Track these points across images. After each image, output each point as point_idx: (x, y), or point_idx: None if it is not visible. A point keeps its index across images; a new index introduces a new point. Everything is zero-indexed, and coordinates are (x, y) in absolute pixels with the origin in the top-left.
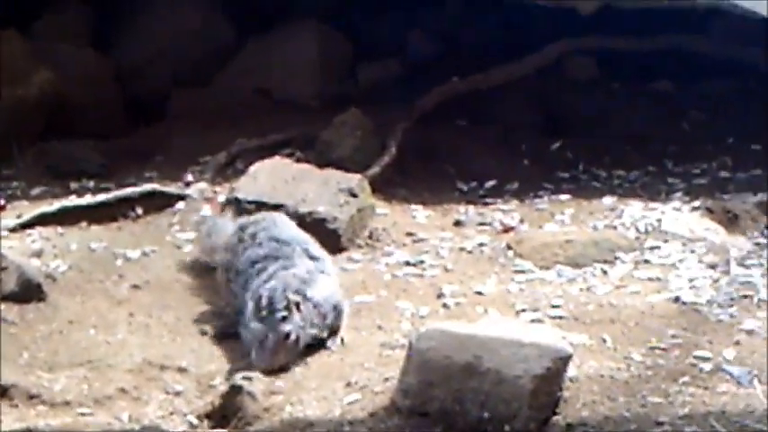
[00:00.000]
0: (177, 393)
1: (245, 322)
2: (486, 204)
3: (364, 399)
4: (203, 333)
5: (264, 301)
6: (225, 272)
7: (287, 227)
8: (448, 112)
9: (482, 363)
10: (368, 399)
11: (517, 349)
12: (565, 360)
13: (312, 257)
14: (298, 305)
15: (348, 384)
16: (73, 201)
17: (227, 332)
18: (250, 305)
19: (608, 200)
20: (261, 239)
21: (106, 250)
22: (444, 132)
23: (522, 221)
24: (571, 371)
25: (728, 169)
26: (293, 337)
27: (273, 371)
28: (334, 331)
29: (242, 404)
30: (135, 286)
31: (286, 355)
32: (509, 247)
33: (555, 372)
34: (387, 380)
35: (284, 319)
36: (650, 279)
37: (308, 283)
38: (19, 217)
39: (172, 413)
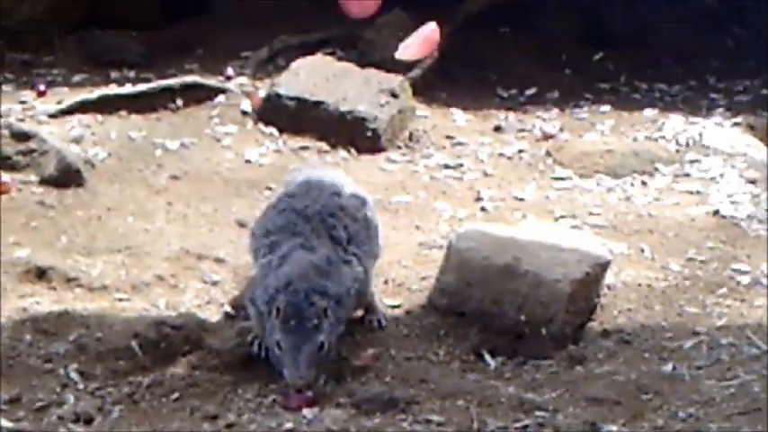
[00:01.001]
0: (214, 283)
1: (269, 330)
2: (527, 112)
3: (401, 296)
4: (241, 225)
5: (289, 310)
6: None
7: (319, 195)
8: (491, 19)
9: (521, 265)
10: (404, 296)
11: (556, 253)
12: (603, 266)
13: (335, 239)
14: (326, 311)
15: (386, 282)
16: (113, 89)
17: None
18: (263, 297)
19: (649, 112)
20: (282, 206)
21: (145, 140)
22: (487, 39)
23: (561, 130)
24: (609, 278)
25: None
26: (326, 346)
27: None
28: (368, 310)
29: None
30: (174, 176)
31: (319, 365)
32: (549, 155)
33: (593, 277)
34: (424, 279)
35: (316, 328)
36: (690, 192)
37: (329, 275)
38: (59, 103)
39: (208, 302)
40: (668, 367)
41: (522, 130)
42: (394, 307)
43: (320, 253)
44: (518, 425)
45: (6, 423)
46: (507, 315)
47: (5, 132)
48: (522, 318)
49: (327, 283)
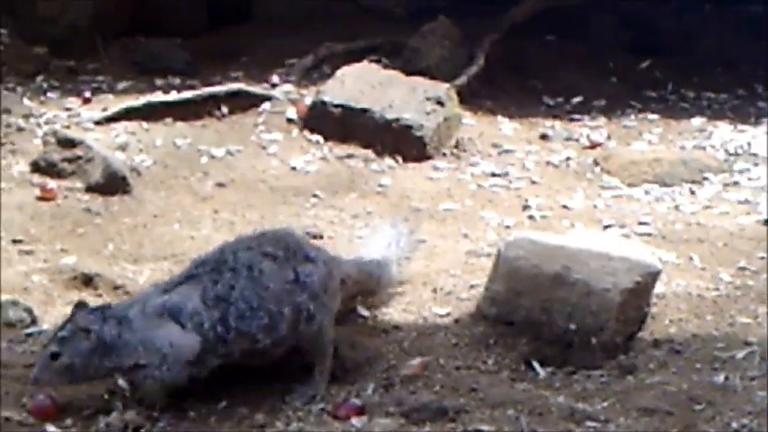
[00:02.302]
0: None
1: None
2: (573, 120)
3: (449, 305)
4: None
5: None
6: None
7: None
8: (537, 26)
9: (571, 274)
10: (453, 305)
11: (606, 262)
12: (654, 275)
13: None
14: (88, 332)
15: (434, 290)
16: (158, 97)
17: None
18: None
19: (697, 121)
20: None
21: (191, 147)
22: (532, 46)
23: (609, 138)
24: (659, 287)
25: None
26: (64, 360)
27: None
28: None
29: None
30: (219, 184)
31: (59, 375)
32: (596, 163)
33: (643, 287)
34: (472, 287)
35: (62, 340)
36: (739, 201)
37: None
38: (104, 110)
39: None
40: (720, 377)
41: (569, 139)
42: (442, 316)
43: (163, 299)
44: None
45: (55, 430)
46: (557, 324)
47: (52, 139)
48: (572, 327)
49: (126, 306)
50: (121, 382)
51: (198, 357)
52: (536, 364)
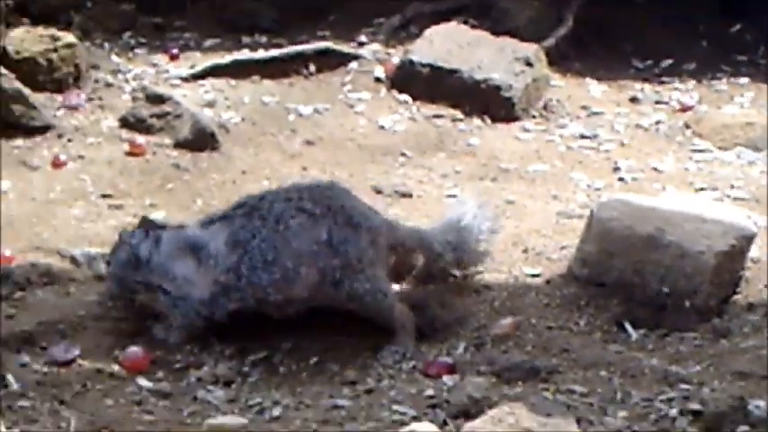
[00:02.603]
0: None
1: None
2: (663, 83)
3: (540, 265)
4: (377, 191)
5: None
6: None
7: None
8: None
9: (664, 236)
10: (544, 265)
11: (700, 224)
12: (748, 239)
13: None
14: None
15: (525, 251)
16: (246, 54)
17: None
18: None
19: None
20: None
21: (278, 105)
22: (621, 8)
23: (700, 101)
24: (753, 251)
25: None
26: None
27: None
28: None
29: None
30: (308, 142)
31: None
32: (687, 126)
33: (738, 250)
34: (563, 248)
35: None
36: None
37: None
38: (192, 67)
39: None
40: None
41: (659, 102)
42: (533, 276)
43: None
44: (663, 397)
45: (146, 383)
46: (650, 286)
47: (140, 95)
48: (665, 289)
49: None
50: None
51: (211, 299)
52: (628, 326)
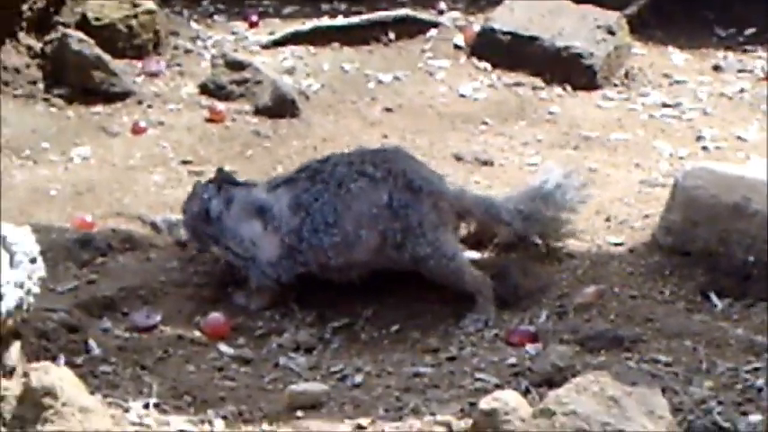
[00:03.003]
0: None
1: None
2: (746, 51)
3: (623, 234)
4: (458, 158)
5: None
6: None
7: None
8: None
9: (750, 204)
10: (627, 234)
11: None
12: None
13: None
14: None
15: (607, 219)
16: (325, 21)
17: None
18: None
19: None
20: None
21: (358, 72)
22: None
23: None
24: None
25: None
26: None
27: None
28: None
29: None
30: (387, 109)
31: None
32: None
33: None
34: (647, 217)
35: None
36: None
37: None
38: (271, 34)
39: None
40: None
41: (743, 70)
42: (617, 244)
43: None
44: (748, 367)
45: (227, 349)
46: (735, 255)
47: (220, 62)
48: (751, 258)
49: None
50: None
51: (277, 261)
52: (713, 296)
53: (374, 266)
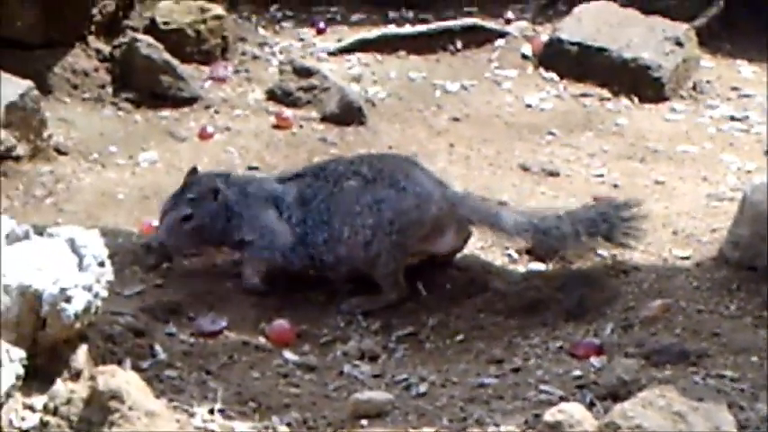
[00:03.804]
0: None
1: None
2: None
3: (690, 248)
4: (524, 168)
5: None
6: None
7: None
8: None
9: None
10: (694, 248)
11: None
12: None
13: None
14: (216, 192)
15: (674, 233)
16: (393, 29)
17: None
18: None
19: None
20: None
21: (425, 81)
22: None
23: None
24: None
25: None
26: (194, 222)
27: None
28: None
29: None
30: (454, 118)
31: (185, 238)
32: None
33: None
34: (714, 231)
35: (191, 200)
36: None
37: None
38: (338, 41)
39: (491, 245)
40: None
41: None
42: (683, 258)
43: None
44: None
45: (292, 356)
46: None
47: (288, 68)
48: None
49: (247, 179)
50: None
51: (292, 247)
52: None
53: (354, 264)
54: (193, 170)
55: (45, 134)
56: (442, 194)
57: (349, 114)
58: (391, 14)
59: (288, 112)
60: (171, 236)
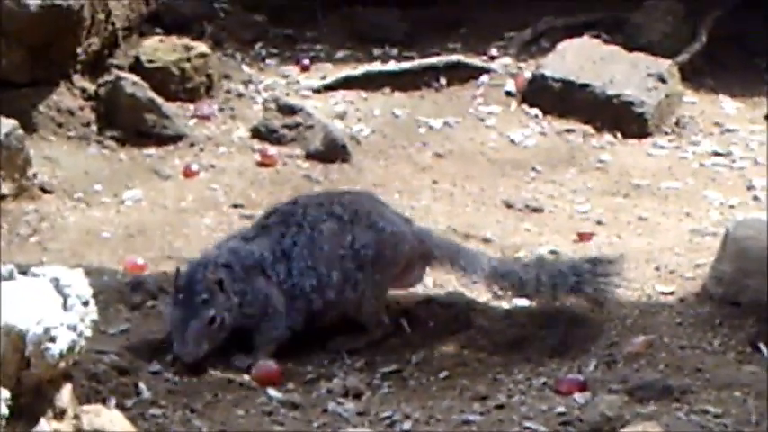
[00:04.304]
0: None
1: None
2: None
3: (674, 283)
4: (508, 205)
5: (181, 283)
6: None
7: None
8: (761, 2)
9: None
10: (678, 284)
11: None
12: None
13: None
14: (221, 283)
15: (657, 268)
16: (377, 66)
17: None
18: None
19: None
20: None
21: (409, 117)
22: (756, 23)
23: None
24: None
25: None
26: (218, 321)
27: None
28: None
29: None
30: (438, 155)
31: (212, 339)
32: None
33: None
34: (697, 266)
35: (205, 302)
36: None
37: (236, 254)
38: (323, 78)
39: (475, 282)
40: None
41: None
42: (666, 293)
43: (253, 250)
44: None
45: (276, 394)
46: None
47: (272, 106)
48: None
49: (226, 254)
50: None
51: (286, 309)
52: (763, 347)
53: (340, 308)
54: (178, 272)
55: (30, 173)
56: (411, 231)
57: (333, 151)
58: (375, 51)
59: (272, 150)
60: (202, 344)
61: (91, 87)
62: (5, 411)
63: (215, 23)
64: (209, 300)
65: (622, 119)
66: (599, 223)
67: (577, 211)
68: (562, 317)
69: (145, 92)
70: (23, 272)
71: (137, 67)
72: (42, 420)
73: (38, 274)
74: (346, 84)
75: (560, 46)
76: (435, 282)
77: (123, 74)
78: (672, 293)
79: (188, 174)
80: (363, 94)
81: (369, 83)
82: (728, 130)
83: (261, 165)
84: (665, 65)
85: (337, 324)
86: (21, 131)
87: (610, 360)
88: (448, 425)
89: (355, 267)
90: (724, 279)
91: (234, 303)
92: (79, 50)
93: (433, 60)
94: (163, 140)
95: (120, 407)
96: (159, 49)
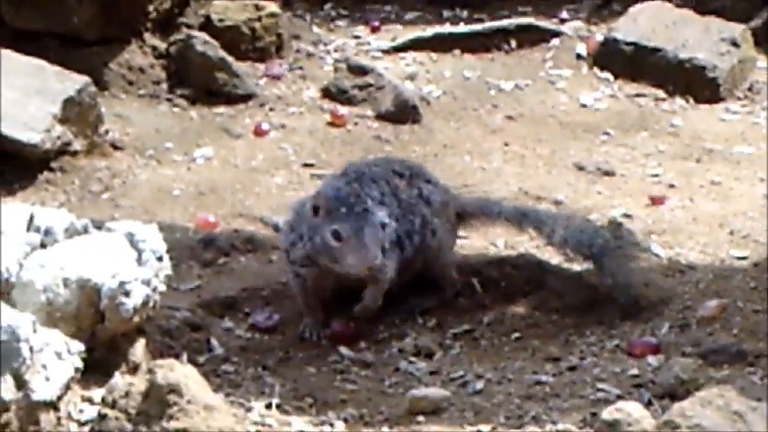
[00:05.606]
0: None
1: (311, 231)
2: None
3: (747, 248)
4: (579, 168)
5: (333, 201)
6: None
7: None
8: None
9: None
10: (751, 248)
11: None
12: None
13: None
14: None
15: (731, 233)
16: (448, 28)
17: None
18: None
19: None
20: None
21: (479, 79)
22: None
23: None
24: None
25: None
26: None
27: None
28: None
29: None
30: (509, 117)
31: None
32: None
33: None
34: None
35: (367, 210)
36: None
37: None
38: (393, 40)
39: (547, 244)
40: None
41: None
42: (740, 258)
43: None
44: None
45: (348, 353)
46: None
47: (343, 66)
48: None
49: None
50: None
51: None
52: None
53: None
54: (319, 195)
55: (101, 130)
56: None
57: (404, 112)
58: (445, 13)
59: (343, 110)
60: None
61: (162, 45)
62: (80, 364)
63: None
64: (369, 209)
65: (694, 83)
66: (671, 186)
67: (649, 174)
68: (635, 279)
69: (216, 51)
70: (98, 227)
71: (207, 26)
72: (116, 374)
73: (112, 229)
74: (416, 45)
75: (632, 9)
76: (507, 243)
77: (194, 32)
78: (745, 258)
79: (259, 133)
80: (434, 55)
81: (439, 45)
82: None
83: (331, 125)
84: (737, 29)
85: (411, 284)
86: (93, 88)
87: (683, 323)
88: (520, 385)
89: (430, 213)
90: None
91: (396, 212)
92: (150, 8)
93: (504, 23)
94: (233, 99)
95: (193, 363)
96: (230, 8)
